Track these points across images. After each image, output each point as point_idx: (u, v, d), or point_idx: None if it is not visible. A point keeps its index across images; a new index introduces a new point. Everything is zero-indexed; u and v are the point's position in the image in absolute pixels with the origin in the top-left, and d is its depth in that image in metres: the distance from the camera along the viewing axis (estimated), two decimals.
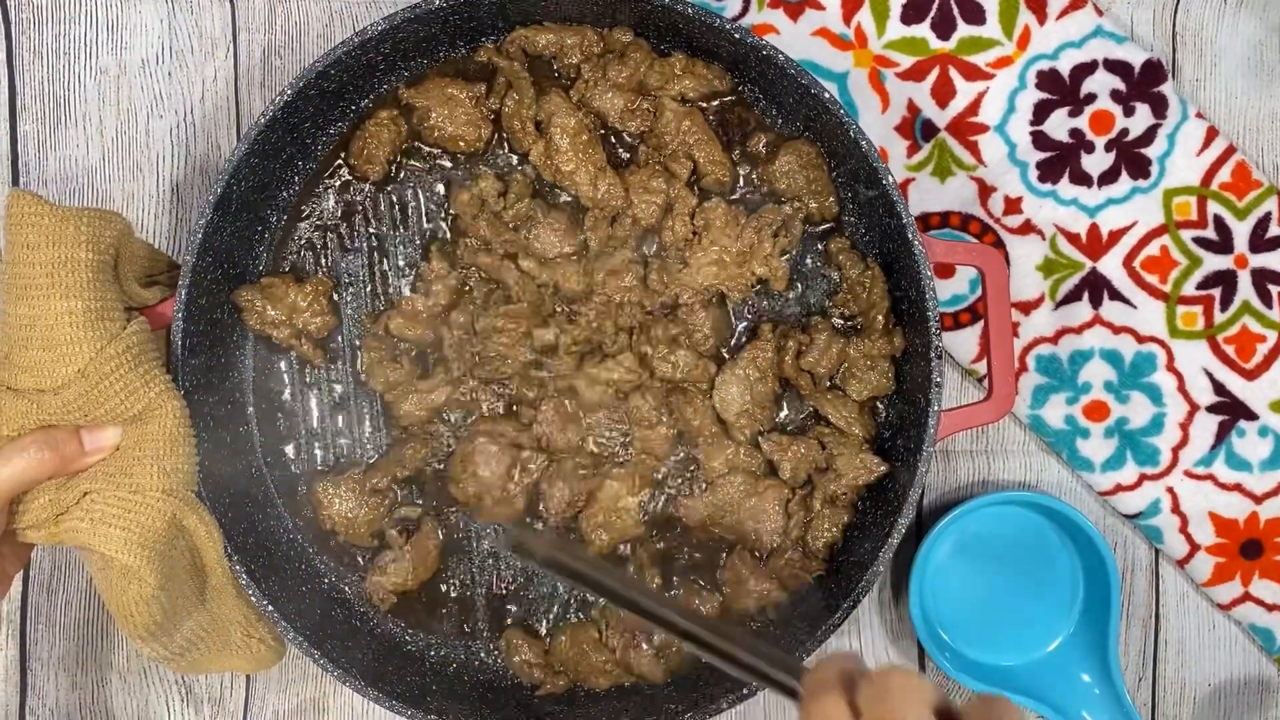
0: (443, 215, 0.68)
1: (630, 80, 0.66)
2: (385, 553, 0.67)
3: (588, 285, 0.67)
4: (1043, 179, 0.72)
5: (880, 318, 0.67)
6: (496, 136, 0.68)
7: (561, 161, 0.66)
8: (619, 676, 0.67)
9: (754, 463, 0.68)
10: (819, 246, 0.69)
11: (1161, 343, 0.72)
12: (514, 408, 0.68)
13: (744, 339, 0.69)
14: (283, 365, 0.68)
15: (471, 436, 0.67)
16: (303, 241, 0.68)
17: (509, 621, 0.69)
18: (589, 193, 0.66)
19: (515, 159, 0.68)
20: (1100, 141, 0.71)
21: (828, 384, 0.68)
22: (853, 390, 0.68)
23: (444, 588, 0.69)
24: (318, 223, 0.68)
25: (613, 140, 0.68)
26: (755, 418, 0.67)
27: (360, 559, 0.69)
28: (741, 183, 0.68)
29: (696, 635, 0.48)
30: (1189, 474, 0.72)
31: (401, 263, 0.68)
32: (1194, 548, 0.72)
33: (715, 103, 0.68)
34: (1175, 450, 0.72)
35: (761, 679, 0.47)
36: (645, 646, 0.67)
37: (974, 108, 0.71)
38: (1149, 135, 0.71)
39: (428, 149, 0.68)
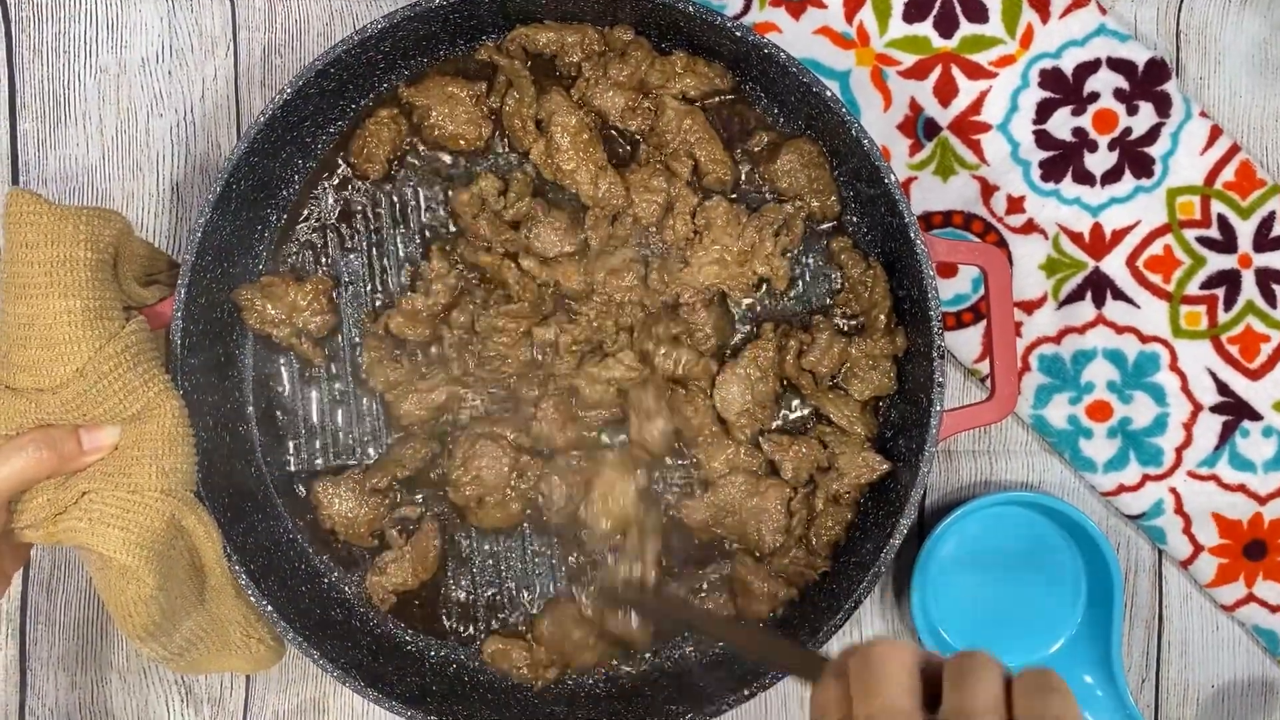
0: (443, 214, 0.68)
1: (631, 79, 0.66)
2: (385, 553, 0.67)
3: (588, 284, 0.67)
4: (1045, 178, 0.71)
5: (882, 317, 0.67)
6: (497, 135, 0.68)
7: (562, 160, 0.66)
8: (604, 653, 0.67)
9: (755, 462, 0.67)
10: (821, 246, 0.69)
11: (1165, 342, 0.72)
12: (515, 407, 0.67)
13: (745, 338, 0.68)
14: (282, 364, 0.68)
15: (472, 439, 0.67)
16: (302, 240, 0.68)
17: (491, 627, 0.68)
18: (590, 191, 0.66)
19: (515, 158, 0.68)
20: (1103, 140, 0.71)
21: (829, 383, 0.68)
22: (854, 390, 0.67)
23: (443, 589, 0.68)
24: (317, 221, 0.68)
25: (614, 139, 0.68)
26: (756, 417, 0.67)
27: (360, 559, 0.68)
28: (743, 181, 0.68)
29: (743, 644, 0.55)
30: (1192, 474, 0.72)
31: (402, 261, 0.68)
32: (1197, 549, 0.72)
33: (716, 100, 0.68)
34: (1178, 450, 0.72)
35: (791, 671, 0.52)
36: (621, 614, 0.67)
37: (976, 106, 0.71)
38: (1152, 134, 0.71)
39: (427, 148, 0.68)
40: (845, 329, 0.68)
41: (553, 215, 0.66)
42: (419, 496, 0.68)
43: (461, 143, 0.67)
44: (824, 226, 0.69)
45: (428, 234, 0.68)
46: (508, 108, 0.66)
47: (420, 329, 0.67)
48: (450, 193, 0.67)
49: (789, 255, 0.68)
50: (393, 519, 0.67)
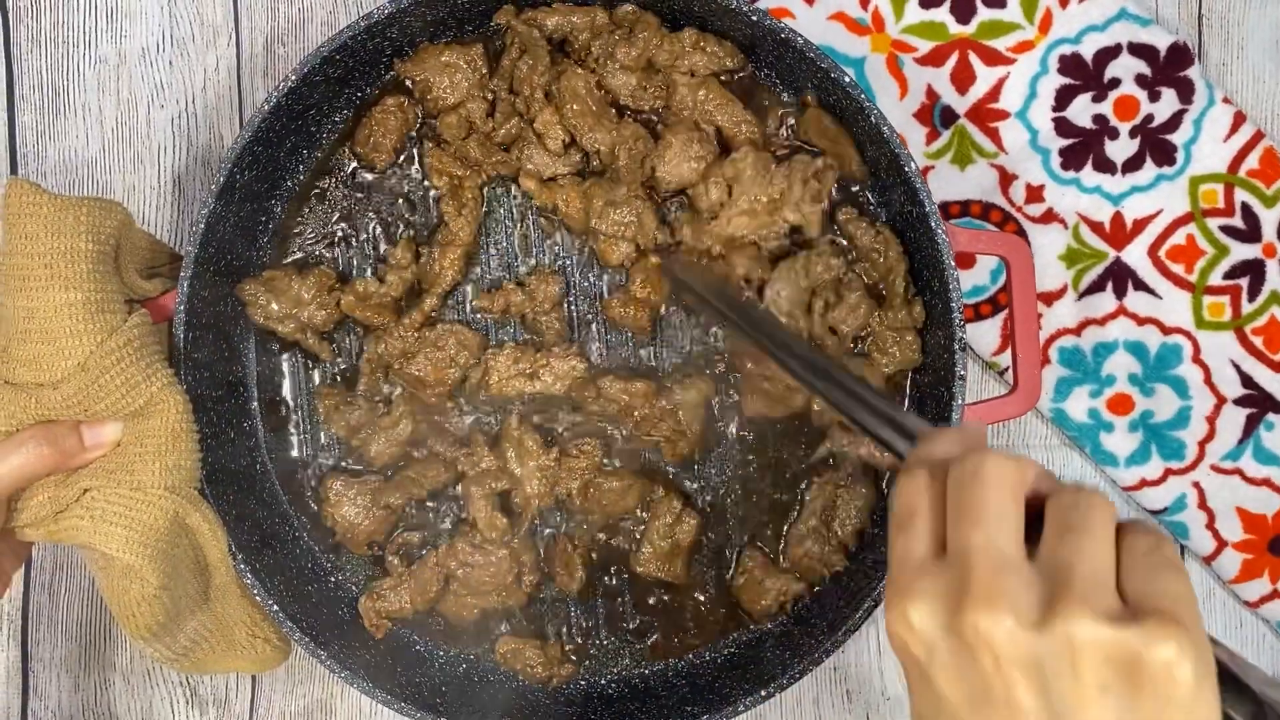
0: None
1: (638, 61, 0.64)
2: (384, 579, 0.65)
3: (585, 218, 0.65)
4: (1065, 166, 0.70)
5: (899, 281, 0.64)
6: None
7: (577, 121, 0.64)
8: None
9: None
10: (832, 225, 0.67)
11: (1187, 334, 0.70)
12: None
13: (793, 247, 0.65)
14: (286, 359, 0.67)
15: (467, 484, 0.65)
16: (306, 232, 0.67)
17: (501, 629, 0.67)
18: (610, 142, 0.64)
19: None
20: (1124, 127, 0.70)
21: (852, 345, 0.66)
22: (879, 362, 0.65)
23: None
24: (322, 213, 0.67)
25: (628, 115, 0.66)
26: (799, 323, 0.64)
27: (368, 558, 0.67)
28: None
29: (823, 387, 0.48)
30: (1216, 468, 0.71)
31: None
32: (1221, 544, 0.71)
33: (725, 80, 0.66)
34: (1201, 444, 0.71)
35: (873, 436, 0.44)
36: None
37: (994, 93, 0.70)
38: (1174, 121, 0.70)
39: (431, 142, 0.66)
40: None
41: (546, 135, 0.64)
42: (430, 508, 0.66)
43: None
44: (854, 188, 0.66)
45: (435, 225, 0.66)
46: (520, 73, 0.64)
47: (369, 314, 0.65)
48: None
49: (821, 203, 0.65)
50: (396, 544, 0.66)
